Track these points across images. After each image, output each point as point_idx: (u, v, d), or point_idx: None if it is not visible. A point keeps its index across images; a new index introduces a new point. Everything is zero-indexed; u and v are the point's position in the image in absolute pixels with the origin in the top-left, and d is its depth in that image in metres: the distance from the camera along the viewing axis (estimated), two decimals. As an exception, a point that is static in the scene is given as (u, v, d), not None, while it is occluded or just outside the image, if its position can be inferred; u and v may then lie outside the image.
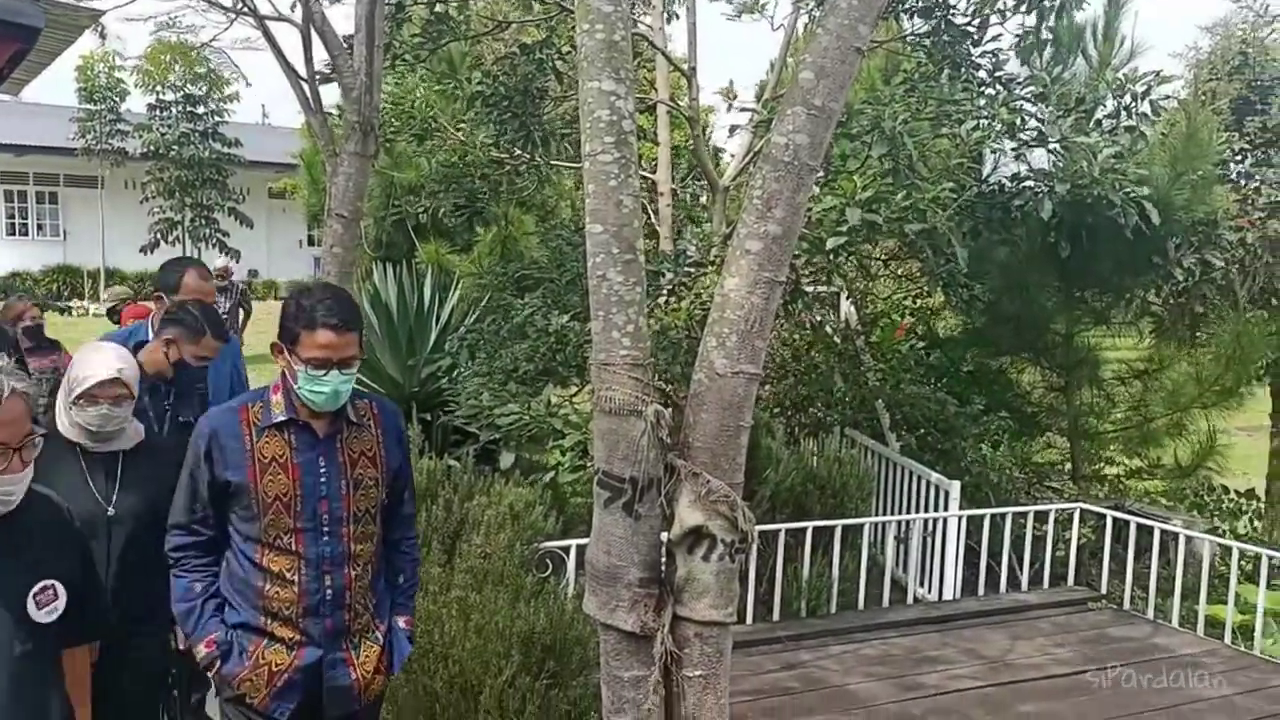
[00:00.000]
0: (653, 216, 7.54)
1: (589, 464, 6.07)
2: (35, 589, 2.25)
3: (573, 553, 4.77)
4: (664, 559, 3.10)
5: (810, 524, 5.63)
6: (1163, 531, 6.00)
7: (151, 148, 23.59)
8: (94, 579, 2.51)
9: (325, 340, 2.61)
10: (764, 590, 5.59)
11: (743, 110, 7.67)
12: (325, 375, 2.62)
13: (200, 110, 24.16)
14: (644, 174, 7.82)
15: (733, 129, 10.87)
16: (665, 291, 6.47)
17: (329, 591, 2.70)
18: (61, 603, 2.29)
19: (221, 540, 2.74)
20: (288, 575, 2.67)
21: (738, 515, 2.96)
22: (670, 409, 3.22)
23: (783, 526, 5.58)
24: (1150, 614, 5.93)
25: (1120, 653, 5.38)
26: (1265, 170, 7.53)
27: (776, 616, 5.52)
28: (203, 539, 2.73)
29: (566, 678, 3.52)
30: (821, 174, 6.41)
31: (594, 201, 2.94)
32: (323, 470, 2.70)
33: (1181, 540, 5.91)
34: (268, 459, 2.66)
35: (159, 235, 23.66)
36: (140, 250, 23.28)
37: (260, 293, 26.36)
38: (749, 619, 5.41)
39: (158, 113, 24.00)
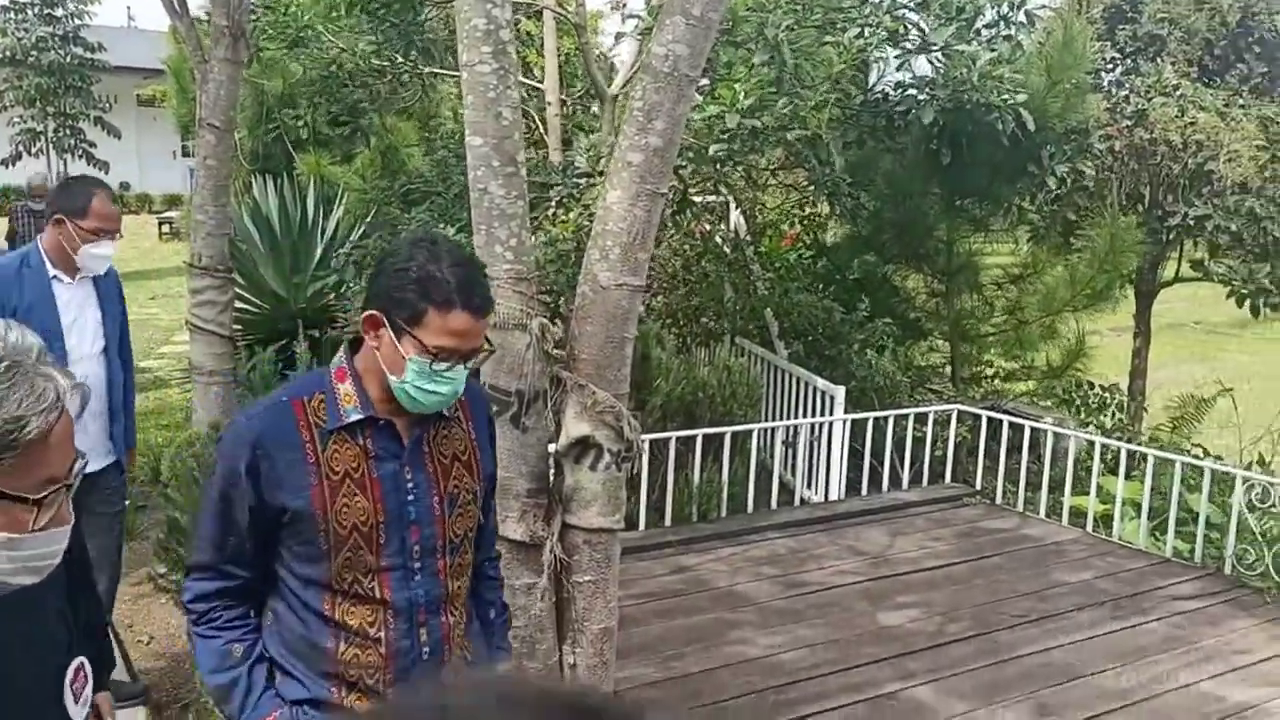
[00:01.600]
0: (540, 127, 7.44)
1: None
2: (69, 673, 1.61)
3: (465, 466, 4.79)
4: (552, 469, 3.16)
5: (700, 431, 5.75)
6: (1033, 429, 6.31)
7: (8, 53, 22.22)
8: (109, 645, 1.93)
9: (462, 325, 1.87)
10: (656, 497, 5.71)
11: (629, 17, 7.56)
12: (449, 371, 1.89)
13: (59, 12, 22.76)
14: (532, 83, 7.69)
15: (618, 36, 10.72)
16: (554, 203, 6.43)
17: (425, 649, 2.03)
18: (91, 687, 1.66)
19: (262, 584, 2.04)
20: (371, 631, 1.99)
21: (623, 425, 3.03)
22: (558, 321, 3.24)
23: (673, 434, 5.68)
24: (1020, 506, 6.26)
25: (991, 544, 5.68)
26: (1134, 78, 7.77)
27: (668, 522, 5.66)
28: (235, 583, 2.00)
29: (459, 588, 3.58)
30: (705, 82, 6.40)
31: (473, 113, 2.90)
32: (410, 485, 1.99)
33: (1049, 436, 6.23)
34: (339, 475, 1.93)
35: (21, 147, 22.44)
36: (1, 163, 22.05)
37: (133, 206, 25.28)
38: (641, 525, 5.54)
39: (12, 15, 22.54)
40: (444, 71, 7.32)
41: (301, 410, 1.94)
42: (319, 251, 7.58)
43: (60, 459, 1.35)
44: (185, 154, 24.30)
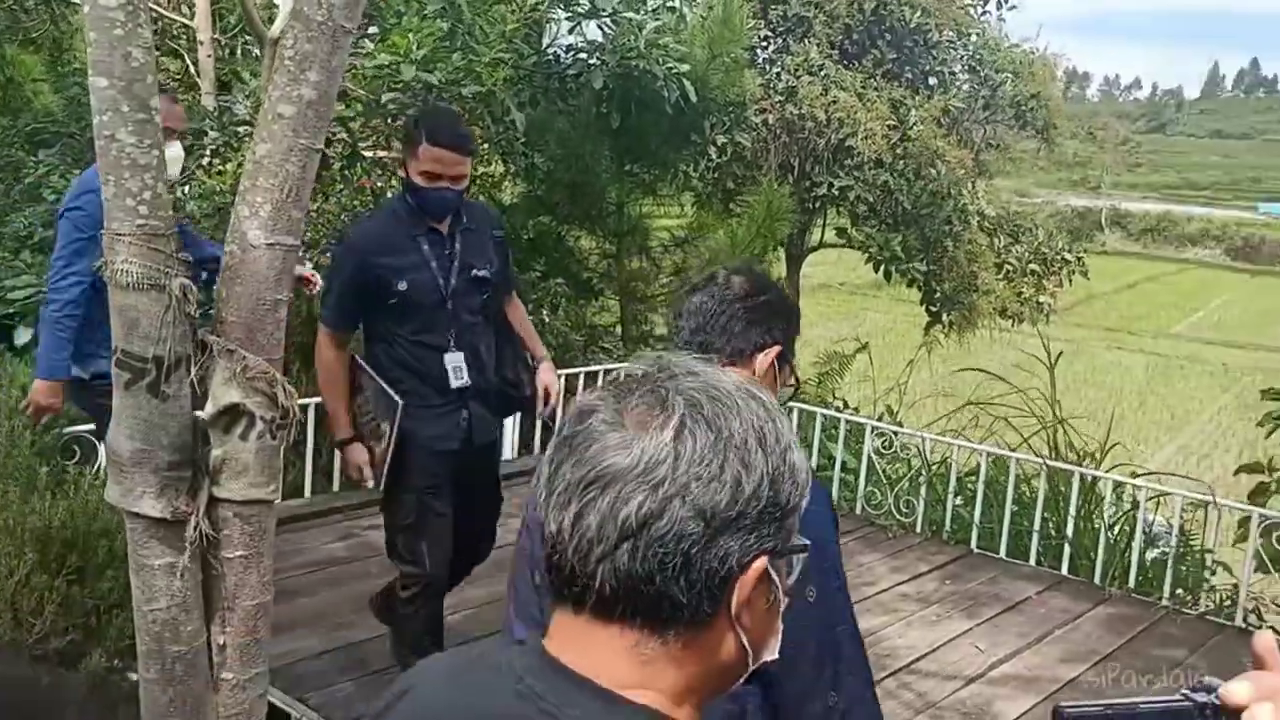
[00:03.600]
0: (192, 69, 6.90)
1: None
2: None
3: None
4: (199, 440, 2.96)
5: (371, 393, 5.60)
6: (695, 385, 6.67)
7: None
8: None
9: None
10: (325, 461, 5.53)
11: (292, -44, 7.13)
12: None
13: None
14: (181, 19, 7.11)
15: (284, -25, 10.10)
16: (209, 152, 6.00)
17: None
18: None
19: None
20: None
21: (277, 391, 2.88)
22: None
23: (342, 397, 5.50)
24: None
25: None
26: (785, 57, 8.33)
27: (336, 488, 5.50)
28: None
29: (91, 573, 3.29)
30: (375, 30, 6.20)
31: (97, 52, 2.63)
32: None
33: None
34: None
35: None
36: None
37: None
38: (307, 492, 5.35)
39: None
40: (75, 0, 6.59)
41: None
42: (-76, 196, 6.64)
43: None
44: None
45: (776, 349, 1.88)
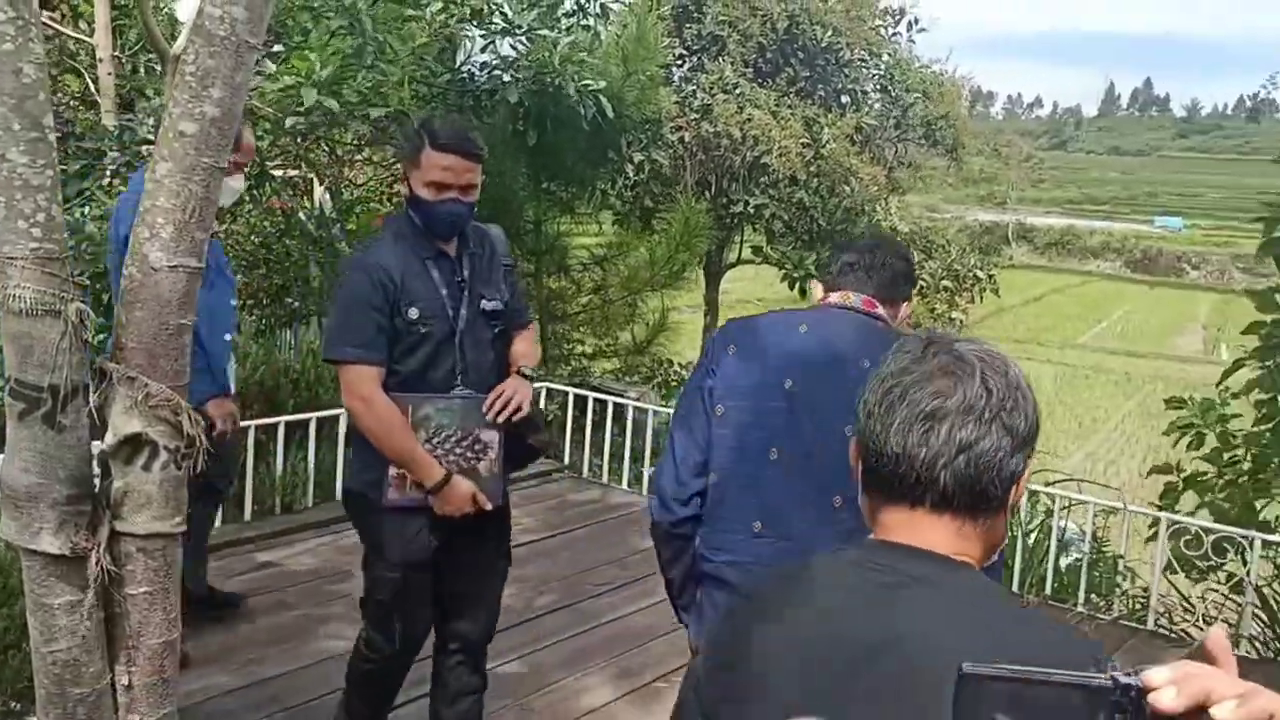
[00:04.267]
0: (92, 86, 6.68)
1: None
2: None
3: (0, 470, 4.20)
4: (98, 472, 2.83)
5: (283, 419, 5.46)
6: (616, 405, 6.63)
7: None
8: None
9: None
10: (234, 490, 5.36)
11: (197, -28, 6.97)
12: None
13: None
14: (79, 36, 6.89)
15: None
16: (109, 173, 5.81)
17: None
18: None
19: None
20: None
21: (182, 420, 2.77)
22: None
23: (252, 423, 5.35)
24: (605, 478, 6.57)
25: (578, 516, 5.92)
26: (700, 75, 8.38)
27: (248, 516, 5.34)
28: None
29: (-15, 613, 3.13)
30: (280, 49, 6.07)
31: (-15, 67, 2.51)
32: None
33: (630, 411, 6.59)
34: None
35: None
36: None
37: None
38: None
39: None
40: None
41: None
42: None
43: None
44: None
45: (916, 300, 2.72)
